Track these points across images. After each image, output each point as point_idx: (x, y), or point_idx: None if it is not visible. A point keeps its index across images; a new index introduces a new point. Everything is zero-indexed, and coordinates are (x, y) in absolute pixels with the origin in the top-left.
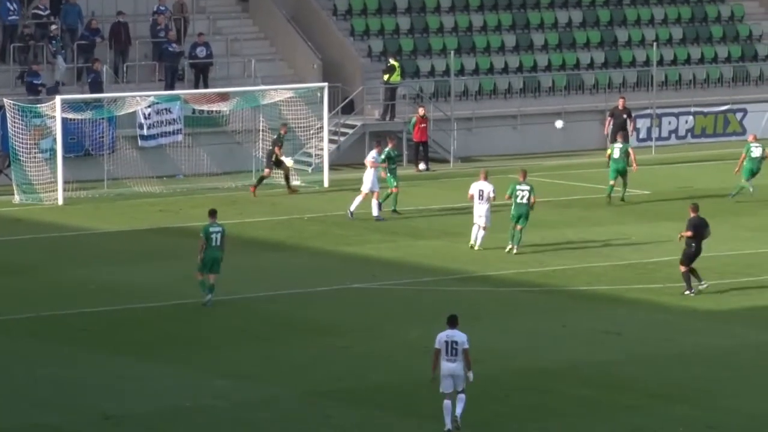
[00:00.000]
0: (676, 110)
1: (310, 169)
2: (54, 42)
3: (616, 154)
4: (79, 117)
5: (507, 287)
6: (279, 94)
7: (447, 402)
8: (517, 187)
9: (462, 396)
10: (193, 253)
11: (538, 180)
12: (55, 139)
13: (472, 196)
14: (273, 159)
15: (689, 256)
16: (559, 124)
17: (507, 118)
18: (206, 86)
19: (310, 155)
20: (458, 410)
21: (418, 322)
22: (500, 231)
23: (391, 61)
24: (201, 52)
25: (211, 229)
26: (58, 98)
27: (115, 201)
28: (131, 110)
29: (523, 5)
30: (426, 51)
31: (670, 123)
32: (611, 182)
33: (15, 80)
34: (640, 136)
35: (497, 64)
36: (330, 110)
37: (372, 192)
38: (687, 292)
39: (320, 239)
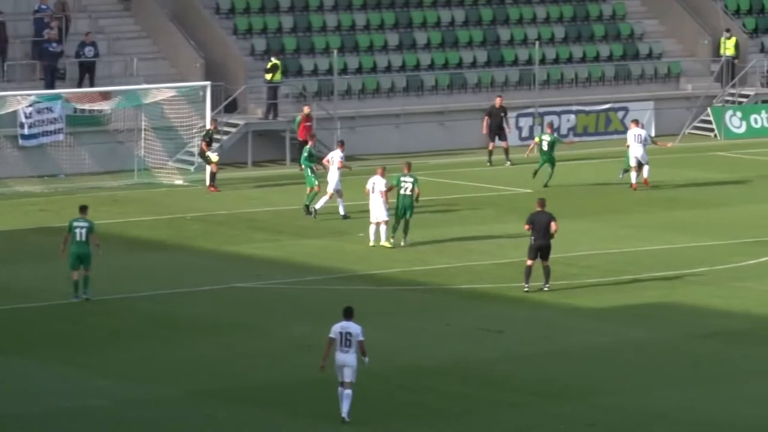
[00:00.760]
0: (558, 109)
1: (192, 168)
2: None
3: (545, 147)
4: None
5: (391, 286)
6: (161, 93)
7: (341, 390)
8: (402, 178)
9: (348, 392)
10: None
11: (422, 179)
12: None
13: (368, 191)
14: (205, 155)
15: (530, 250)
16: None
17: (390, 117)
18: (92, 85)
19: (192, 154)
20: (344, 409)
21: (302, 320)
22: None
23: (273, 60)
24: (89, 51)
25: (76, 224)
26: None
27: None
28: (12, 110)
29: (406, 4)
30: (309, 50)
31: (552, 122)
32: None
33: None
34: (523, 135)
35: (380, 63)
36: (213, 109)
37: (337, 191)
38: (524, 287)
39: (203, 238)
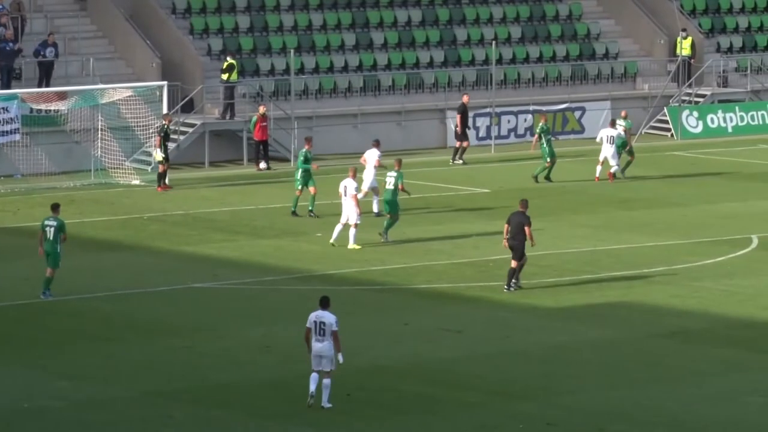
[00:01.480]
0: (515, 109)
1: (149, 169)
2: None
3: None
4: None
5: (349, 286)
6: (118, 93)
7: (314, 374)
8: (388, 173)
9: (327, 382)
10: (32, 252)
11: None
12: None
13: (340, 194)
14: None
15: (514, 251)
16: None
17: (347, 117)
18: (48, 86)
19: (149, 154)
20: (324, 399)
21: (259, 321)
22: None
23: (230, 60)
24: (50, 52)
25: (46, 222)
26: None
27: None
28: None
29: (363, 4)
30: (266, 50)
31: (509, 121)
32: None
33: None
34: (480, 135)
35: (337, 63)
36: (169, 109)
37: (372, 189)
38: (504, 288)
39: (160, 239)
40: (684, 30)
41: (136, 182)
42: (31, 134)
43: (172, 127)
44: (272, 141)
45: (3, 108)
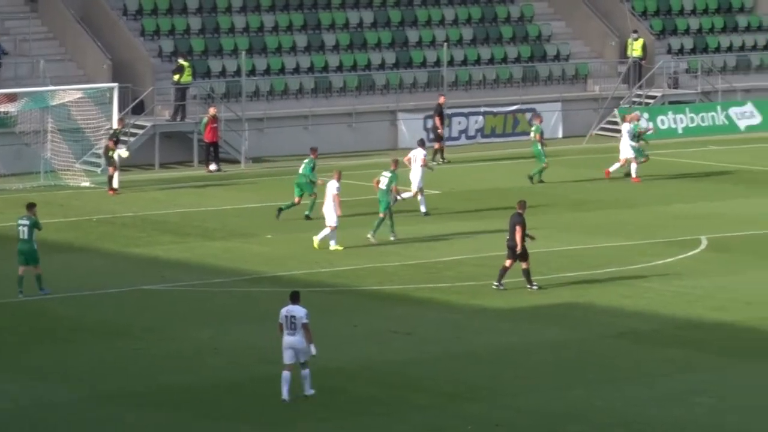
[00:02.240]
0: (466, 110)
1: (99, 170)
2: None
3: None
4: None
5: (298, 287)
6: (68, 94)
7: (285, 373)
8: (383, 173)
9: (305, 372)
10: None
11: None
12: None
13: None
14: (110, 154)
15: (509, 250)
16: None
17: (298, 119)
18: None
19: (99, 156)
20: (306, 388)
21: (209, 322)
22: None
23: (181, 61)
24: None
25: (20, 222)
26: None
27: None
28: None
29: (315, 6)
30: (217, 51)
31: (460, 123)
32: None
33: None
34: (431, 137)
35: (289, 65)
36: (120, 111)
37: (420, 189)
38: (493, 284)
39: (109, 240)
40: (635, 31)
41: (86, 184)
42: None
43: (124, 130)
44: (223, 143)
45: None
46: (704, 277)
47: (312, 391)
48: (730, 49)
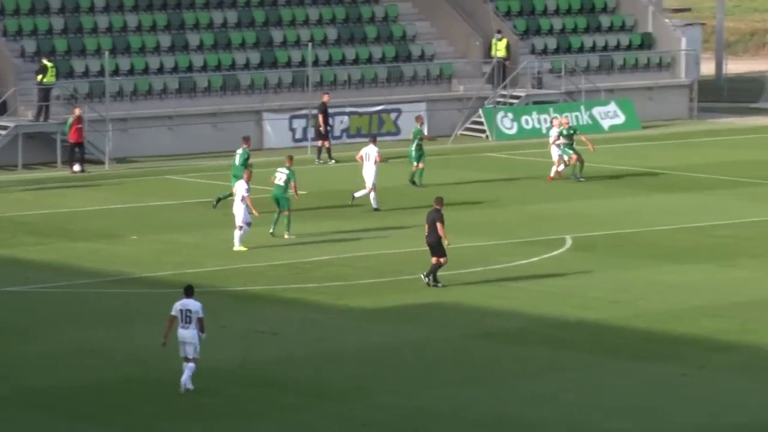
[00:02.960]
0: (331, 110)
1: None
2: None
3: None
4: None
5: (163, 288)
6: None
7: (185, 364)
8: (278, 169)
9: (191, 365)
10: None
11: (195, 181)
12: None
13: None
14: None
15: (430, 248)
16: None
17: (163, 119)
18: None
19: None
20: (184, 377)
21: (74, 324)
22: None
23: (44, 62)
24: None
25: None
26: None
27: None
28: None
29: (178, 5)
30: (80, 51)
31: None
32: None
33: None
34: (297, 137)
35: (152, 65)
36: None
37: (374, 185)
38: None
39: None
40: (499, 32)
41: None
42: None
43: None
44: (87, 143)
45: None
46: (569, 276)
47: (191, 387)
48: (593, 49)
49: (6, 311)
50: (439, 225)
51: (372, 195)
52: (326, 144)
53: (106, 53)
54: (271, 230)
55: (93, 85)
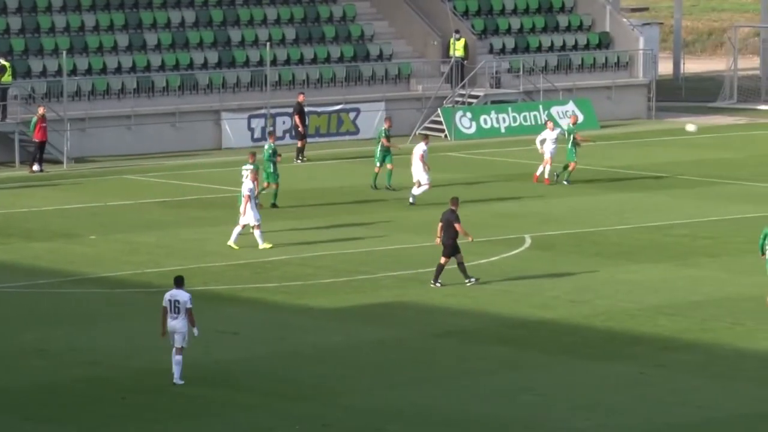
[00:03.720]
0: (290, 110)
1: None
2: None
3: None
4: None
5: (123, 288)
6: None
7: (177, 357)
8: (243, 166)
9: (178, 358)
10: None
11: (154, 180)
12: None
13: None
14: None
15: (444, 247)
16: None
17: (121, 119)
18: None
19: None
20: (176, 376)
21: (33, 324)
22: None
23: (2, 62)
24: None
25: None
26: None
27: None
28: None
29: (136, 5)
30: (38, 51)
31: (284, 122)
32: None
33: None
34: (255, 136)
35: (110, 64)
36: None
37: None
38: (431, 283)
39: None
40: (457, 31)
41: None
42: None
43: None
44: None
45: None
46: (528, 276)
47: (181, 382)
48: (551, 48)
49: None
50: (457, 225)
51: (417, 190)
52: (300, 144)
53: (64, 53)
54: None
55: (51, 84)
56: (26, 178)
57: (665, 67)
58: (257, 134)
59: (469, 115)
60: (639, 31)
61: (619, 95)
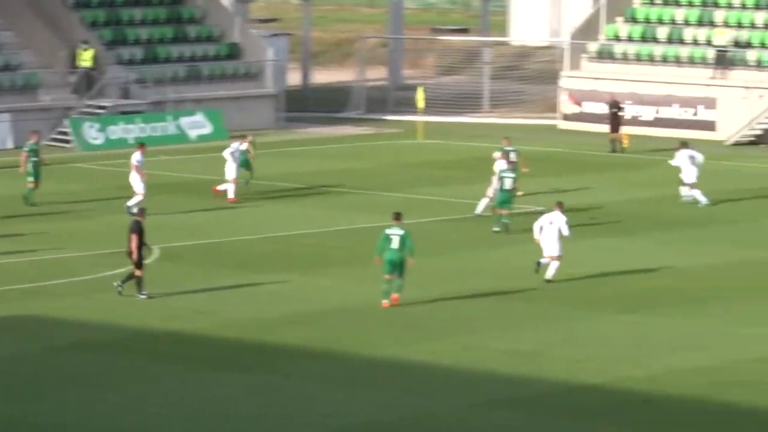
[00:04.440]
0: None
1: None
2: None
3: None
4: None
5: None
6: None
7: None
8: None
9: None
10: None
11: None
12: None
13: None
14: None
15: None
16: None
17: None
18: None
19: None
20: None
21: None
22: None
23: None
24: None
25: None
26: None
27: None
28: None
29: None
30: None
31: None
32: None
33: None
34: None
35: None
36: None
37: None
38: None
39: None
40: (85, 42)
41: None
42: None
43: None
44: None
45: None
46: (156, 286)
47: None
48: (180, 59)
49: None
50: (133, 237)
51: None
52: None
53: None
54: None
55: None
56: None
57: (294, 78)
58: None
59: (97, 125)
60: (268, 42)
61: (248, 106)
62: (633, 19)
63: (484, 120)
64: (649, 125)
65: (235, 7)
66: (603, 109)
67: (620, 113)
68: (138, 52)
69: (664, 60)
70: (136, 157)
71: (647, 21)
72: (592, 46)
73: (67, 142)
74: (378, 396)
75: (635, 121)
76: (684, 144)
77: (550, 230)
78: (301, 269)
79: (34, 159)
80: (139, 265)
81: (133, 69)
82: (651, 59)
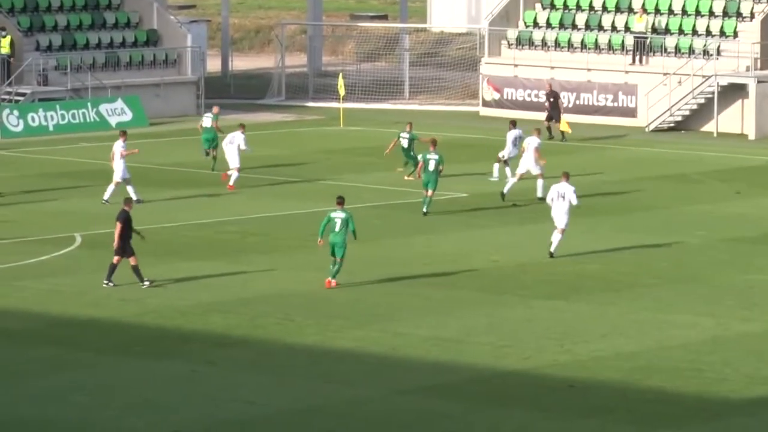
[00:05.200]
0: None
1: None
2: None
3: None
4: None
5: None
6: None
7: None
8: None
9: None
10: None
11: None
12: None
13: None
14: None
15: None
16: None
17: None
18: None
19: None
20: None
21: None
22: None
23: None
24: None
25: None
26: None
27: None
28: None
29: None
30: None
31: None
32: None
33: None
34: None
35: None
36: None
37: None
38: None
39: None
40: (3, 29)
41: None
42: None
43: None
44: None
45: None
46: (78, 275)
47: None
48: (99, 45)
49: None
50: (118, 225)
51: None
52: None
53: None
54: None
55: None
56: None
57: (214, 65)
58: None
59: (16, 113)
60: (187, 29)
61: (167, 92)
62: (552, 6)
63: (405, 107)
64: (568, 112)
65: None
66: (522, 95)
67: (559, 101)
68: (56, 39)
69: (584, 46)
70: (119, 144)
71: (566, 7)
72: (512, 33)
73: None
74: (303, 383)
75: None
76: (513, 123)
77: (560, 203)
78: (223, 257)
79: None
80: (127, 253)
81: (51, 56)
82: (570, 46)
